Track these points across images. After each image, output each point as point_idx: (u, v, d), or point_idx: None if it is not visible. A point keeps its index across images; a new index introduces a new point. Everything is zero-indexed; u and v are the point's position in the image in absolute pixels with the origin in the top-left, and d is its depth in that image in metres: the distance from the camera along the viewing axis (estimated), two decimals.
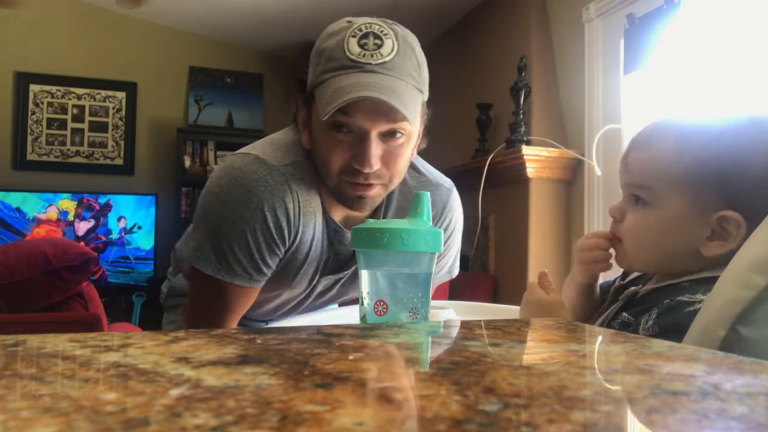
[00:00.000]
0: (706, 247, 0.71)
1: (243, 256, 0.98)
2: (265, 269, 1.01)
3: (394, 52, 0.92)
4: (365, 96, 0.88)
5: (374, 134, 0.92)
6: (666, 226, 0.73)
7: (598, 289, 0.88)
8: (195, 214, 1.04)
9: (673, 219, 0.73)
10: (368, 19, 0.95)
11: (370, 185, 0.97)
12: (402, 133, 0.95)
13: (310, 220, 1.02)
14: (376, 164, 0.93)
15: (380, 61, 0.91)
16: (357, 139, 0.93)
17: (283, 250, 1.02)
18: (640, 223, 0.76)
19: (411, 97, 0.92)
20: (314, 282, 1.11)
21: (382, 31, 0.93)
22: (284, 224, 0.99)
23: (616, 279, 0.90)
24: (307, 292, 1.14)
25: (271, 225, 0.98)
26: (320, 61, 0.94)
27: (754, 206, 0.68)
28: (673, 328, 0.65)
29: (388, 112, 0.91)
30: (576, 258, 0.86)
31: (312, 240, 1.04)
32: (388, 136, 0.94)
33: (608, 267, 0.84)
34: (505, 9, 3.03)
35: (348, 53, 0.91)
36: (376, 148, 0.93)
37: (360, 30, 0.93)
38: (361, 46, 0.92)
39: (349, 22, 0.95)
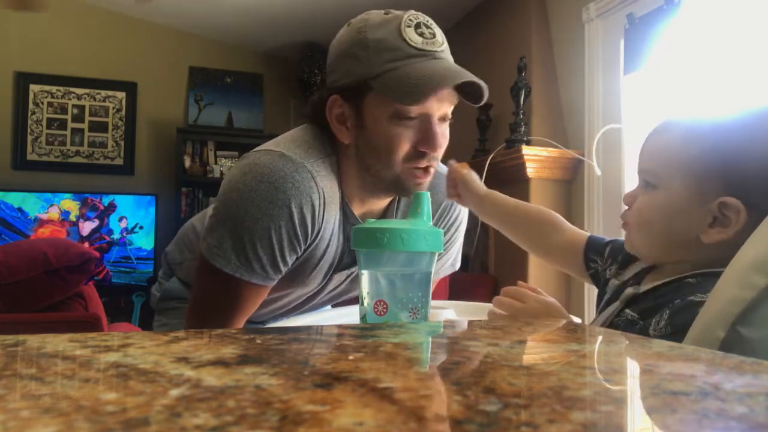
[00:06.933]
0: (707, 233, 0.72)
1: (264, 254, 0.97)
2: (282, 267, 1.00)
3: (444, 41, 0.96)
4: (466, 80, 0.91)
5: (436, 118, 0.95)
6: (669, 209, 0.75)
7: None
8: (214, 212, 1.01)
9: (676, 202, 0.74)
10: (408, 11, 0.96)
11: (428, 168, 0.99)
12: (450, 118, 0.98)
13: (331, 217, 1.02)
14: (442, 144, 0.97)
15: (440, 48, 0.94)
16: (420, 125, 0.95)
17: (303, 248, 1.01)
18: (646, 206, 0.78)
19: None
20: (327, 278, 1.10)
21: (427, 22, 0.96)
22: (308, 221, 0.98)
23: (608, 242, 0.92)
24: (318, 288, 1.13)
25: (297, 222, 0.97)
26: (370, 53, 0.93)
27: (755, 194, 0.69)
28: (687, 329, 0.64)
29: (450, 97, 0.94)
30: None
31: (330, 236, 1.04)
32: (441, 120, 0.97)
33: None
34: (505, 9, 3.03)
35: (410, 42, 0.92)
36: (441, 130, 0.96)
37: (411, 20, 0.94)
38: (420, 35, 0.93)
39: (388, 13, 0.96)
